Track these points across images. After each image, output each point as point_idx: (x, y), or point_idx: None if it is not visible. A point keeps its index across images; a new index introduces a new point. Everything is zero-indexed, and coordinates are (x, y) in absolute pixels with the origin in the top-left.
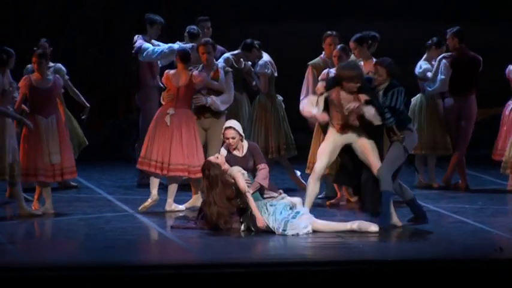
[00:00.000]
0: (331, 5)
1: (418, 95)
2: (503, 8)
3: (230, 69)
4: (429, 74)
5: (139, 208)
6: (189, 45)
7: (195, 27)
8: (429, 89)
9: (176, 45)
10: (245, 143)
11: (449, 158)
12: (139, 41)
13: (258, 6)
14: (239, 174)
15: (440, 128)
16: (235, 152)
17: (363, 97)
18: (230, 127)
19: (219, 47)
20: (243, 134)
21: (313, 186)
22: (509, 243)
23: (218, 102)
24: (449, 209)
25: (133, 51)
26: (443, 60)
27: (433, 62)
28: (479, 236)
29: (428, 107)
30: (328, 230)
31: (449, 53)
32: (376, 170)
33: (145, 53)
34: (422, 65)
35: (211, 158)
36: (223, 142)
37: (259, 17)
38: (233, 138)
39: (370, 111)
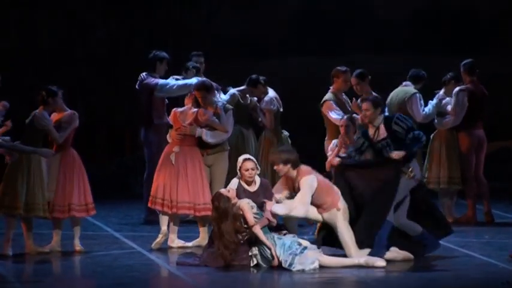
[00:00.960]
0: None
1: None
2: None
3: (231, 107)
4: (449, 107)
5: (153, 245)
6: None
7: (195, 64)
8: (441, 122)
9: (194, 79)
10: (257, 179)
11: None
12: (150, 78)
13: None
14: (248, 207)
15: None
16: (248, 187)
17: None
18: (249, 159)
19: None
20: (259, 169)
21: None
22: None
23: (208, 134)
24: (456, 243)
25: (138, 87)
26: (461, 93)
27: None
28: (485, 270)
29: (447, 142)
30: (336, 265)
31: (464, 86)
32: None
33: (166, 87)
34: (440, 98)
35: (223, 191)
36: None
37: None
38: (252, 169)
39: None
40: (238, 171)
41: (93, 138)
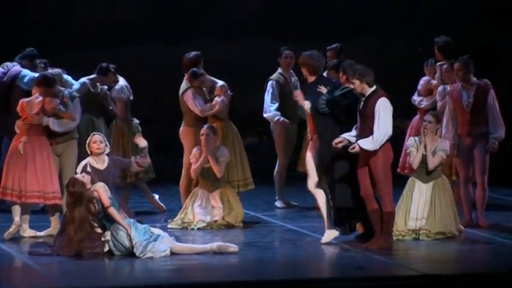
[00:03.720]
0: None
1: None
2: None
3: (77, 95)
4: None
5: (5, 235)
6: (56, 70)
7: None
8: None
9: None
10: (106, 158)
11: None
12: (16, 67)
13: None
14: (103, 189)
15: None
16: (97, 165)
17: None
18: (97, 134)
19: (55, 70)
20: (108, 145)
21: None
22: None
23: (55, 123)
24: (308, 228)
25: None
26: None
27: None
28: (341, 255)
29: None
30: (188, 252)
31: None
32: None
33: (26, 78)
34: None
35: (78, 176)
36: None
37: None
38: (101, 142)
39: None
40: (87, 147)
41: None
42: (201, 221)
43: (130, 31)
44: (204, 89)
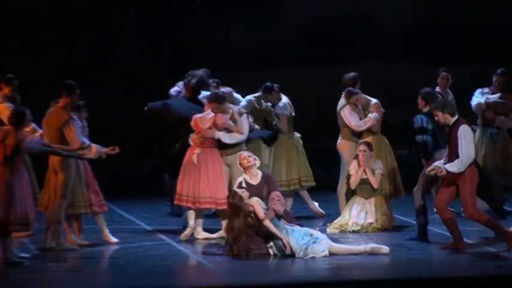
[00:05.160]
0: (340, 52)
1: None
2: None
3: (245, 111)
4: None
5: (181, 237)
6: (226, 89)
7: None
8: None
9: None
10: (259, 172)
11: None
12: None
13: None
14: (257, 203)
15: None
16: (251, 181)
17: None
18: (241, 152)
19: (226, 88)
20: (257, 158)
21: None
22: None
23: (225, 137)
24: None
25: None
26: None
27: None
28: (483, 256)
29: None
30: (344, 252)
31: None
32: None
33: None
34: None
35: (238, 190)
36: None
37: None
38: (249, 156)
39: None
40: (239, 165)
41: (126, 143)
42: (356, 224)
43: (292, 52)
44: (359, 106)
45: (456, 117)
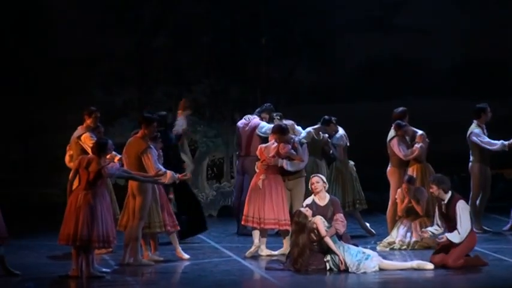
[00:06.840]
0: (396, 88)
1: None
2: None
3: (305, 141)
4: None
5: (246, 254)
6: (289, 122)
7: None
8: None
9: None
10: (327, 195)
11: None
12: (256, 120)
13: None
14: (321, 221)
15: None
16: (318, 201)
17: None
18: (315, 175)
19: (288, 121)
20: (326, 182)
21: None
22: None
23: (288, 164)
24: (490, 249)
25: (242, 125)
26: None
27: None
28: None
29: None
30: (393, 268)
31: None
32: None
33: (264, 128)
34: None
35: (302, 209)
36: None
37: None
38: (317, 182)
39: None
40: (310, 186)
41: (196, 169)
42: (402, 242)
43: (347, 89)
44: (406, 137)
45: (450, 193)
